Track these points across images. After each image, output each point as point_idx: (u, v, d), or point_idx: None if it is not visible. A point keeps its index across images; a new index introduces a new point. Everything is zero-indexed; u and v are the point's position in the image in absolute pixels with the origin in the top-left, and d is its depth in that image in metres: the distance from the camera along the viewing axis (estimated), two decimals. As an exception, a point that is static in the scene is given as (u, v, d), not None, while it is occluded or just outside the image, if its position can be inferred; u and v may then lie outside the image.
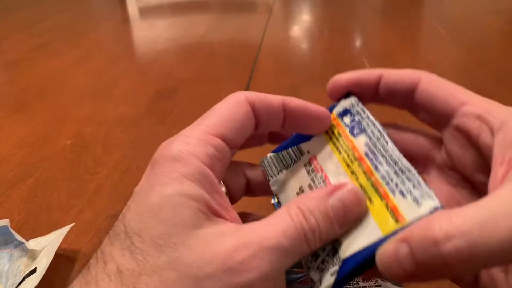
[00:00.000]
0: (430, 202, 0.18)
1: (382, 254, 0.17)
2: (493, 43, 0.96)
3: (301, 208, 0.19)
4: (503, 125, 0.19)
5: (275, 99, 0.23)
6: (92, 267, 0.19)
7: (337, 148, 0.23)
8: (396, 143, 0.22)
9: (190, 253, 0.18)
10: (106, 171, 0.53)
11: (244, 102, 0.22)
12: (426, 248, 0.15)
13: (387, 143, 0.21)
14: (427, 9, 1.33)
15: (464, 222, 0.15)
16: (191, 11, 1.38)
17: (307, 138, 0.25)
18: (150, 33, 1.15)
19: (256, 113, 0.22)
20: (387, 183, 0.20)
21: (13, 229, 0.38)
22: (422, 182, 0.19)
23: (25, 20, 1.30)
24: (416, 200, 0.19)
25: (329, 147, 0.24)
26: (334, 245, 0.20)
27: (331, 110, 0.25)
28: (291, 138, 0.25)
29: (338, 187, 0.20)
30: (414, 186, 0.19)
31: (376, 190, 0.21)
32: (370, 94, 0.24)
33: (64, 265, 0.39)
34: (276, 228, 0.19)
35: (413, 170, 0.20)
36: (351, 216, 0.20)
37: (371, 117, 0.23)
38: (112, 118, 0.67)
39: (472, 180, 0.22)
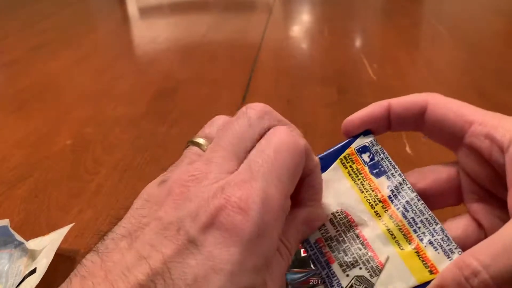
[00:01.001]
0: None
1: None
2: (493, 43, 0.96)
3: None
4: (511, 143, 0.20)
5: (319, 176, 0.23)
6: None
7: (358, 186, 0.24)
8: (419, 189, 0.24)
9: None
10: (106, 171, 0.53)
11: (304, 155, 0.20)
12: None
13: (411, 192, 0.23)
14: (427, 8, 1.33)
15: (484, 258, 0.18)
16: (191, 11, 1.38)
17: (323, 167, 0.24)
18: (150, 33, 1.15)
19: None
20: (415, 231, 0.22)
21: (13, 229, 0.38)
22: (450, 236, 0.22)
23: (24, 20, 1.30)
24: (447, 254, 0.21)
25: (347, 182, 0.24)
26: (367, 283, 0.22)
27: (350, 143, 0.25)
28: None
29: None
30: (443, 240, 0.22)
31: (405, 236, 0.22)
32: (384, 126, 0.25)
33: (64, 265, 0.38)
34: None
35: (440, 224, 0.22)
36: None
37: (391, 160, 0.24)
38: (112, 118, 0.67)
39: (495, 193, 0.22)
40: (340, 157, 0.25)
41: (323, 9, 1.35)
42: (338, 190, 0.24)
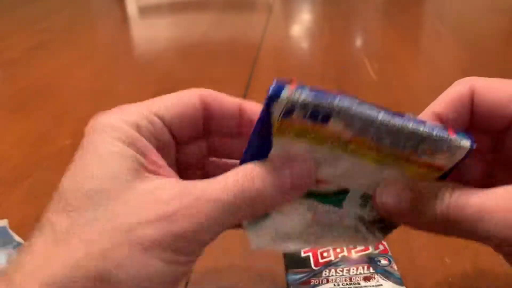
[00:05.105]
0: (465, 142, 0.20)
1: None
2: (494, 42, 0.96)
3: (249, 173, 0.19)
4: None
5: (231, 102, 0.25)
6: (33, 236, 0.20)
7: (315, 141, 0.20)
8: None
9: (126, 206, 0.18)
10: (106, 171, 0.52)
11: (194, 96, 0.24)
12: None
13: (371, 110, 0.19)
14: (428, 7, 1.33)
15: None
16: (191, 10, 1.38)
17: (265, 153, 0.21)
18: (150, 32, 1.15)
19: (207, 109, 0.24)
20: (403, 149, 0.20)
21: (11, 229, 0.38)
22: (442, 132, 0.19)
23: (23, 20, 1.30)
24: (450, 151, 0.20)
25: (302, 145, 0.21)
26: None
27: (268, 114, 0.20)
28: (251, 154, 0.21)
29: (291, 160, 0.20)
30: (437, 146, 0.20)
31: (396, 158, 0.20)
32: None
33: (63, 266, 0.38)
34: (218, 184, 0.19)
35: (423, 127, 0.19)
36: (301, 187, 0.20)
37: (323, 96, 0.19)
38: (111, 117, 0.66)
39: None
40: (273, 134, 0.20)
41: (324, 8, 1.35)
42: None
